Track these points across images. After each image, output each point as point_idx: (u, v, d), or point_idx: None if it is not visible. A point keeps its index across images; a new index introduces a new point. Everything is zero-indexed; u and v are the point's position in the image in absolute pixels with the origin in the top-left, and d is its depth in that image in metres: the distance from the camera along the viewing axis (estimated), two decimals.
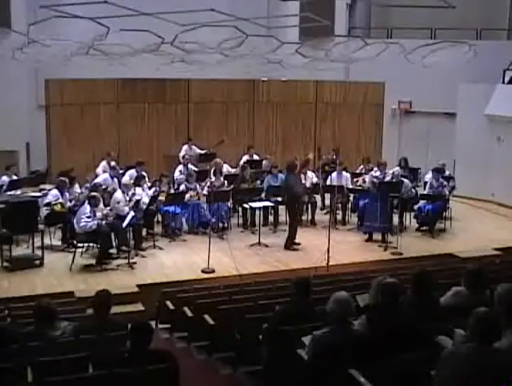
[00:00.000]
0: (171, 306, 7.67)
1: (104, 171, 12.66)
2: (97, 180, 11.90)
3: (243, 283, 8.89)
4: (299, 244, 11.30)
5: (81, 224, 10.04)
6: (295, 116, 16.86)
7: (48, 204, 10.89)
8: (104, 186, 11.53)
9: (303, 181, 12.73)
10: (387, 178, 11.96)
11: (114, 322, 5.54)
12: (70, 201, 11.21)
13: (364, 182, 12.51)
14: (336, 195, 12.35)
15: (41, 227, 10.58)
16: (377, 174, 12.01)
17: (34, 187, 12.62)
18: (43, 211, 10.93)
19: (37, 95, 16.21)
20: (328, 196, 13.41)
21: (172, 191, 12.17)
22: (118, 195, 11.04)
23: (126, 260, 10.17)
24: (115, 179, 12.16)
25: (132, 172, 12.28)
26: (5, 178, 11.99)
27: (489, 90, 15.27)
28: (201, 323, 6.52)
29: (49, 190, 11.49)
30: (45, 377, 4.49)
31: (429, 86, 16.43)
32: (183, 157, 13.61)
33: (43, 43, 11.42)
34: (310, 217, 12.96)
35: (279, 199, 12.20)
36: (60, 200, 11.02)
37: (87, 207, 10.16)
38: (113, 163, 13.22)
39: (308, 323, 5.09)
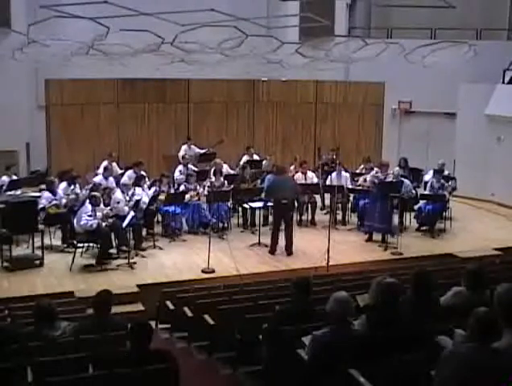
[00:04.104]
0: (171, 306, 7.67)
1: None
2: (94, 180, 11.90)
3: (243, 283, 8.89)
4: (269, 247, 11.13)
5: (82, 222, 10.04)
6: (295, 116, 16.85)
7: (43, 209, 10.87)
8: (103, 187, 11.53)
9: (303, 181, 12.76)
10: (388, 179, 11.93)
11: (114, 322, 5.55)
12: (65, 197, 11.19)
13: (365, 181, 12.49)
14: (336, 195, 12.35)
15: (41, 227, 10.57)
16: (379, 174, 11.98)
17: (34, 187, 12.62)
18: (41, 214, 10.91)
19: (37, 95, 16.20)
20: (328, 196, 13.40)
21: (172, 191, 12.17)
22: (118, 195, 11.04)
23: (126, 260, 10.17)
24: (110, 179, 12.15)
25: (130, 173, 12.29)
26: (5, 178, 11.99)
27: (489, 90, 15.27)
28: (201, 323, 6.52)
29: (40, 194, 11.34)
30: (45, 377, 4.49)
31: (429, 86, 16.43)
32: (183, 157, 13.60)
33: (43, 43, 11.43)
34: (310, 217, 12.96)
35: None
36: (54, 202, 11.02)
37: (88, 206, 10.17)
38: (113, 164, 13.24)
39: (308, 323, 5.09)
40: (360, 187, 12.63)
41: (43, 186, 12.38)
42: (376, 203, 11.53)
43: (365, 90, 16.81)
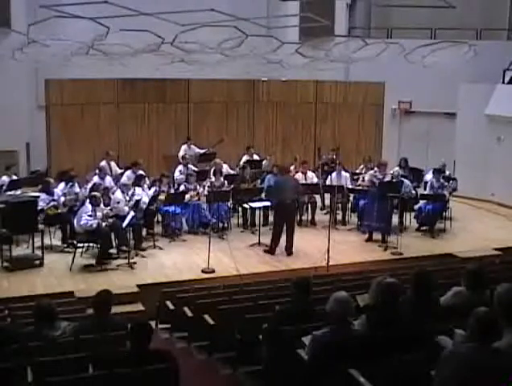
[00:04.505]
0: (171, 306, 7.67)
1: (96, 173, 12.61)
2: (91, 182, 11.85)
3: (243, 283, 8.89)
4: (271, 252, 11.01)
5: (82, 222, 10.04)
6: (295, 116, 16.85)
7: (42, 210, 10.86)
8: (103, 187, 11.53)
9: (303, 181, 12.76)
10: (386, 179, 11.94)
11: (114, 321, 5.55)
12: (64, 195, 11.19)
13: (363, 180, 12.51)
14: (336, 195, 12.35)
15: (41, 227, 10.56)
16: (377, 174, 12.00)
17: (34, 187, 12.61)
18: (41, 216, 10.90)
19: (37, 95, 16.21)
20: (328, 196, 13.40)
21: (172, 191, 12.17)
22: (118, 194, 11.04)
23: (126, 260, 10.16)
24: (107, 178, 12.14)
25: (129, 173, 12.28)
26: (5, 178, 11.99)
27: (489, 90, 15.27)
28: (201, 323, 6.52)
29: (38, 196, 11.27)
30: (45, 377, 4.49)
31: (429, 86, 16.43)
32: (183, 157, 13.61)
33: (43, 43, 11.43)
34: (310, 217, 12.96)
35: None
36: (53, 202, 11.01)
37: (88, 206, 10.17)
38: (112, 163, 13.24)
39: (308, 323, 5.09)
40: (360, 187, 12.64)
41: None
42: (374, 203, 11.54)
43: (365, 90, 16.80)
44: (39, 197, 11.08)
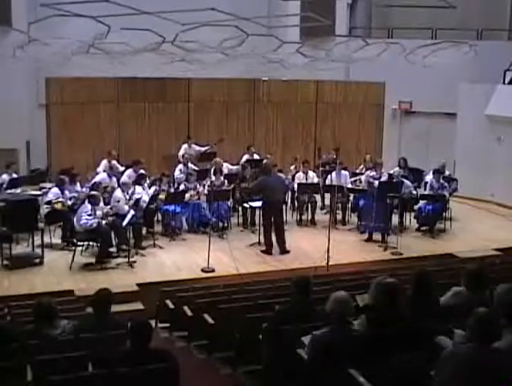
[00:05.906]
0: (170, 305, 7.68)
1: (104, 170, 12.66)
2: (96, 179, 11.89)
3: (243, 282, 8.89)
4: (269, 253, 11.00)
5: (82, 222, 10.04)
6: (295, 116, 16.85)
7: (49, 202, 10.91)
8: (104, 185, 11.53)
9: (304, 180, 12.77)
10: (383, 179, 11.93)
11: (114, 320, 5.55)
12: (70, 199, 11.23)
13: (360, 182, 12.52)
14: (336, 194, 12.35)
15: (41, 225, 10.56)
16: (373, 174, 12.00)
17: (34, 186, 12.62)
18: (44, 209, 10.94)
19: (37, 93, 16.18)
20: (328, 196, 13.40)
21: (172, 190, 12.17)
22: (118, 193, 11.03)
23: (126, 259, 10.17)
24: (113, 178, 12.16)
25: (130, 172, 12.28)
26: (5, 177, 11.99)
27: (489, 90, 15.27)
28: (201, 322, 6.52)
29: (49, 188, 11.53)
30: (45, 376, 4.49)
31: (429, 86, 16.42)
32: (183, 156, 13.61)
33: (43, 41, 11.42)
34: (310, 217, 12.96)
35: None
36: (61, 199, 11.04)
37: (88, 206, 10.17)
38: (113, 162, 13.24)
39: (308, 323, 5.09)
40: (360, 187, 12.63)
41: (43, 185, 12.44)
42: (372, 203, 11.53)
43: (366, 90, 16.82)
44: (42, 194, 11.18)
